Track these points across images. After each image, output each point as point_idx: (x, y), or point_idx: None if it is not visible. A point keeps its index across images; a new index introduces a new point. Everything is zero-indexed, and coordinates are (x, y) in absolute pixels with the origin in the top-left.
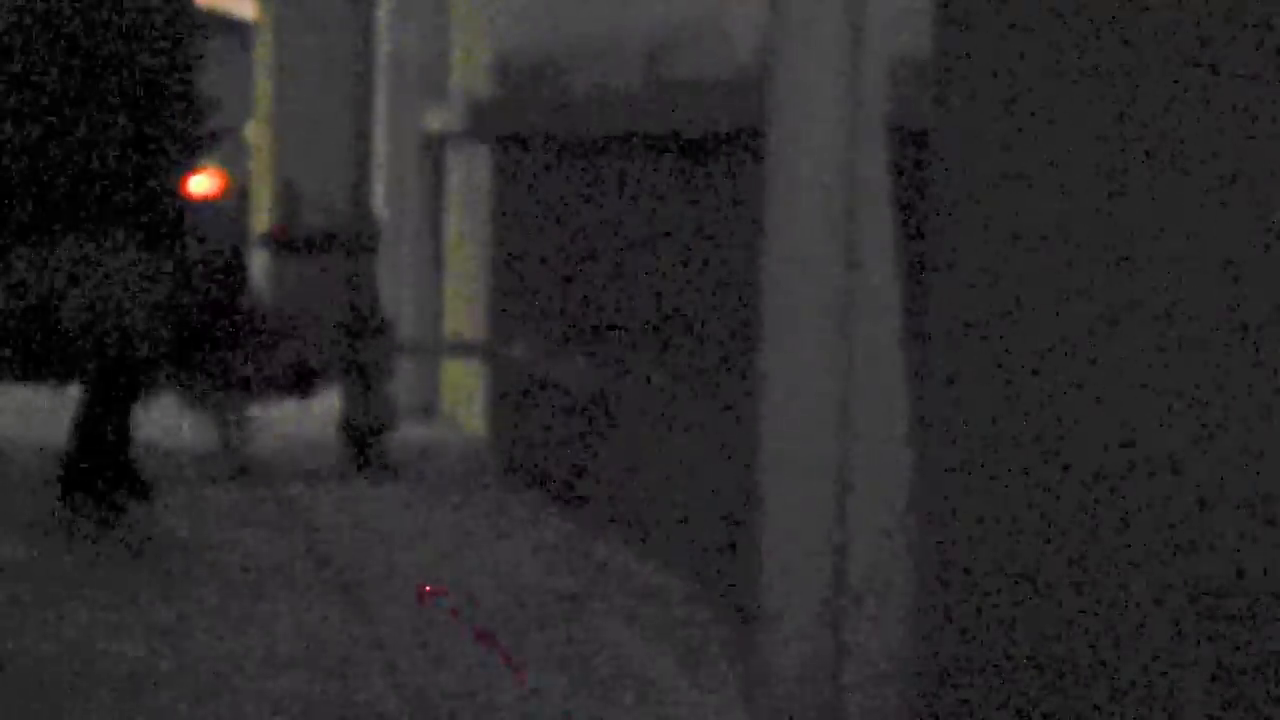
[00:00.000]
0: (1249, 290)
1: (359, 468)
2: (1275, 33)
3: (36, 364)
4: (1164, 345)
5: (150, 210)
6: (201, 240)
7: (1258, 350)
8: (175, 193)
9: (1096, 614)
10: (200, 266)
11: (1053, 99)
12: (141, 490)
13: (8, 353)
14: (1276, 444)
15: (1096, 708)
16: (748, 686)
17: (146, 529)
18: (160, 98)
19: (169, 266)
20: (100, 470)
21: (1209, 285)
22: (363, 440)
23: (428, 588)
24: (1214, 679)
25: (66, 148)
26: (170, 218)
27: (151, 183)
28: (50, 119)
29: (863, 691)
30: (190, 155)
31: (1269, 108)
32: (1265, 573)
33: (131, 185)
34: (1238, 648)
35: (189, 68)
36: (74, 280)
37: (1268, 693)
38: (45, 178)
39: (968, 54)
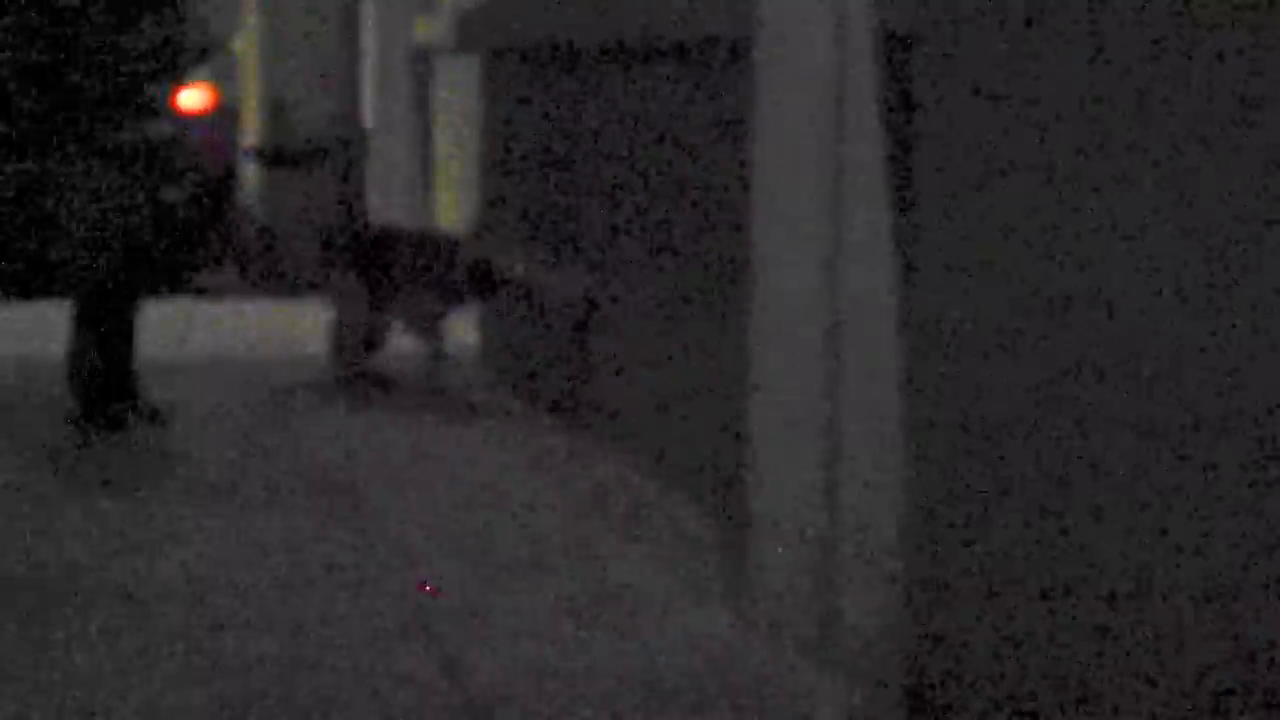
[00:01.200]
0: (1239, 281)
1: (350, 380)
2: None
3: (28, 281)
4: (1153, 332)
5: (135, 125)
6: (194, 154)
7: (1240, 341)
8: (163, 107)
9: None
10: (189, 182)
11: (1033, 6)
12: (151, 414)
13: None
14: (1244, 439)
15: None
16: (743, 595)
17: (152, 446)
18: (143, 6)
19: (151, 184)
20: (100, 387)
21: (1203, 270)
22: (355, 349)
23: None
24: (1202, 675)
25: (48, 61)
26: (157, 134)
27: (137, 97)
28: (30, 32)
29: (857, 598)
30: (177, 68)
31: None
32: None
33: (116, 99)
34: (1214, 641)
35: None
36: (58, 201)
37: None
38: (29, 92)
39: None
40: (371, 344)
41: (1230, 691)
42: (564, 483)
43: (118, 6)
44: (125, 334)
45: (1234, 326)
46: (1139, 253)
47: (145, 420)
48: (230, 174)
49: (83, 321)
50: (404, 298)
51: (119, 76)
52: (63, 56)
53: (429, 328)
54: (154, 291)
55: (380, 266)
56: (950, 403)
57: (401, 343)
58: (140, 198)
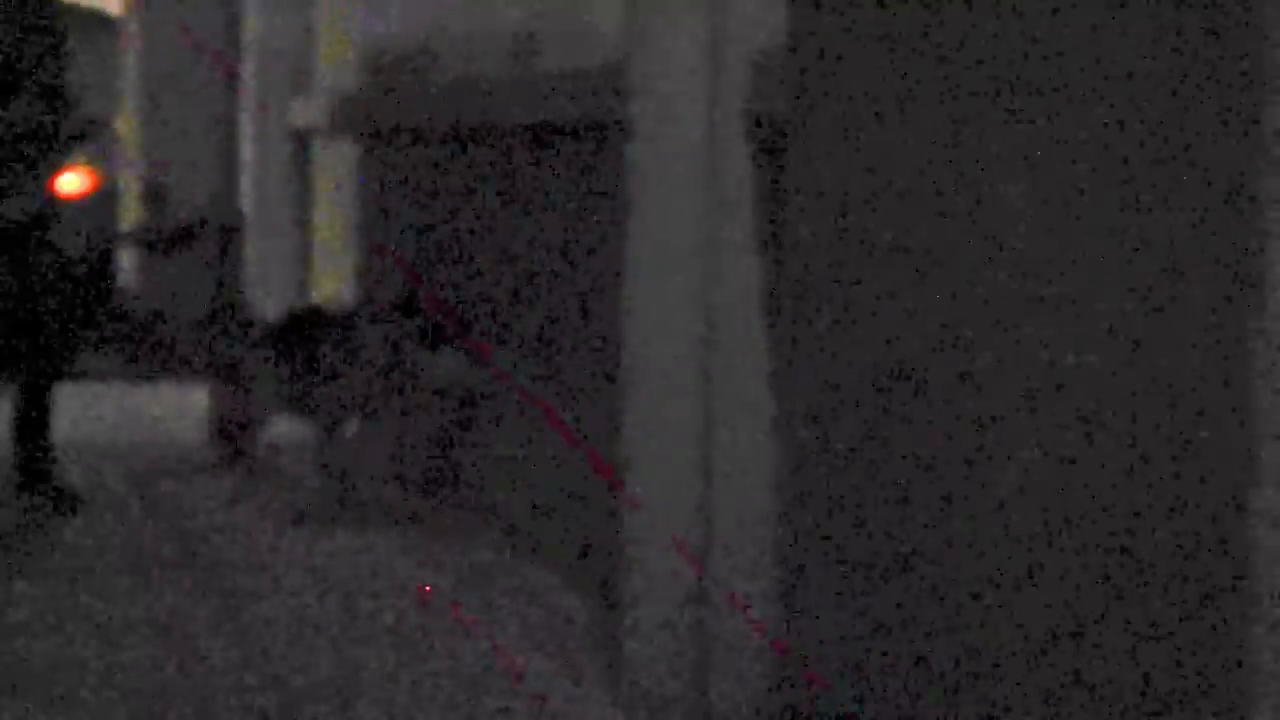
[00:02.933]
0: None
1: (228, 462)
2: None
3: None
4: (1018, 340)
5: (10, 205)
6: (77, 237)
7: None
8: (39, 191)
9: (954, 608)
10: (67, 266)
11: (905, 91)
12: (65, 501)
13: None
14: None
15: (956, 700)
16: (615, 677)
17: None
18: (22, 90)
19: (22, 271)
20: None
21: (1058, 280)
22: (233, 435)
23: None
24: (1074, 676)
25: None
26: (31, 217)
27: (8, 178)
28: None
29: (727, 680)
30: (56, 151)
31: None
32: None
33: None
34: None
35: (53, 58)
36: None
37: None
38: None
39: (823, 46)
40: (248, 426)
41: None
42: (438, 564)
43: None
44: (36, 417)
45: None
46: (996, 326)
47: (57, 505)
48: (107, 256)
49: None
50: (283, 379)
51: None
52: None
53: (313, 408)
54: (41, 373)
55: (259, 348)
56: (826, 503)
57: (283, 425)
58: (17, 279)
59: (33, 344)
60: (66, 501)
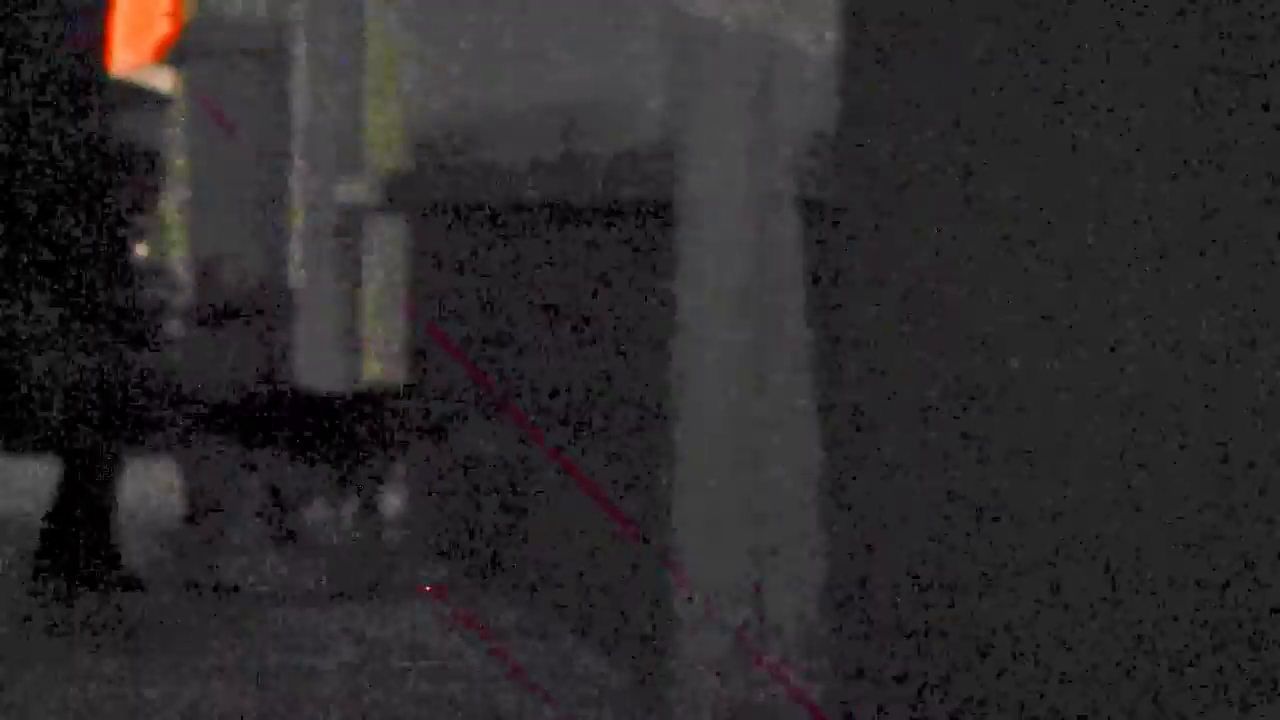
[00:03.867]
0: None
1: (277, 542)
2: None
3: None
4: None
5: (124, 287)
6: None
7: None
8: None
9: (1013, 613)
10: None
11: (956, 171)
12: (127, 579)
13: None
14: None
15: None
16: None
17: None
18: (129, 165)
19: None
20: (72, 548)
21: (1128, 289)
22: (280, 515)
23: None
24: (1127, 673)
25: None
26: (142, 298)
27: (123, 257)
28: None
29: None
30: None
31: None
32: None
33: (103, 257)
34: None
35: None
36: (30, 355)
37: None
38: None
39: (874, 127)
40: (297, 505)
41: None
42: (479, 642)
43: (108, 162)
44: (105, 494)
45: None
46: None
47: (121, 584)
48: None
49: (63, 480)
50: (331, 457)
51: (106, 234)
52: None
53: (359, 486)
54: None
55: (304, 428)
56: (876, 598)
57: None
58: (120, 356)
59: (100, 422)
60: (132, 582)
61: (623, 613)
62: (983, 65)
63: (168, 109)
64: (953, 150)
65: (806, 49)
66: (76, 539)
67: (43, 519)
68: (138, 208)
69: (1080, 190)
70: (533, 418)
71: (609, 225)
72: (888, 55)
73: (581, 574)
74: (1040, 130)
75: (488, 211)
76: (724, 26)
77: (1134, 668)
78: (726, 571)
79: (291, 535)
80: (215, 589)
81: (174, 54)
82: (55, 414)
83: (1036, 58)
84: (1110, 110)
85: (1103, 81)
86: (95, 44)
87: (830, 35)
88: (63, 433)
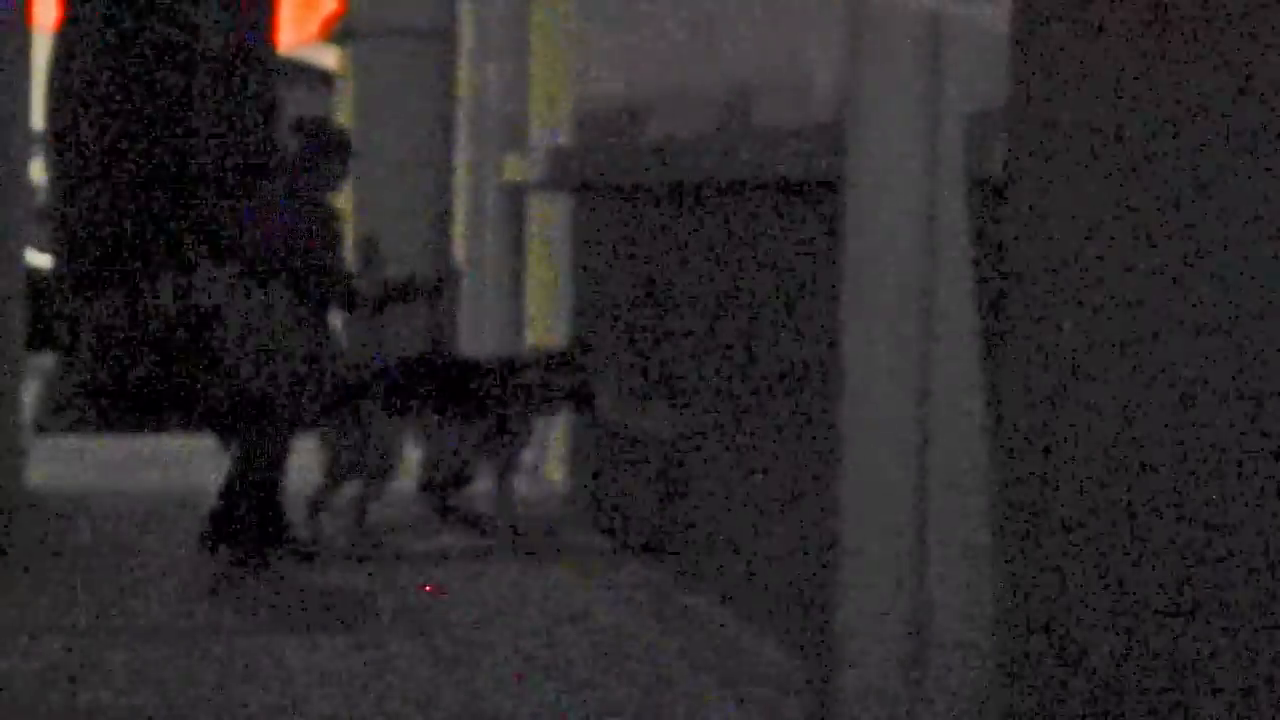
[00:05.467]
0: None
1: (442, 518)
2: None
3: (164, 411)
4: (1235, 359)
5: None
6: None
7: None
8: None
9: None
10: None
11: (1124, 151)
12: (301, 551)
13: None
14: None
15: None
16: None
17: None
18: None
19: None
20: (244, 523)
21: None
22: (444, 493)
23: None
24: None
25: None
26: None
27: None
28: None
29: None
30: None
31: None
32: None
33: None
34: None
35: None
36: (240, 327)
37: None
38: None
39: (1043, 106)
40: (460, 480)
41: None
42: (653, 622)
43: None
44: (279, 468)
45: None
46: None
47: (296, 556)
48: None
49: (242, 454)
50: (487, 429)
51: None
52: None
53: (508, 460)
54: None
55: (461, 399)
56: (1037, 579)
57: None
58: (320, 333)
59: (274, 401)
60: (306, 554)
61: (785, 587)
62: (1154, 50)
63: (334, 87)
64: (1122, 133)
65: (975, 29)
66: (250, 513)
67: (218, 494)
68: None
69: (1254, 175)
70: (695, 396)
71: (774, 204)
72: (1055, 37)
73: (741, 547)
74: (1210, 101)
75: (651, 189)
76: (895, 6)
77: None
78: (891, 544)
79: (451, 507)
80: (379, 557)
81: (340, 32)
82: (258, 390)
83: (1207, 41)
84: None
85: None
86: (265, 23)
87: (998, 15)
88: (251, 410)
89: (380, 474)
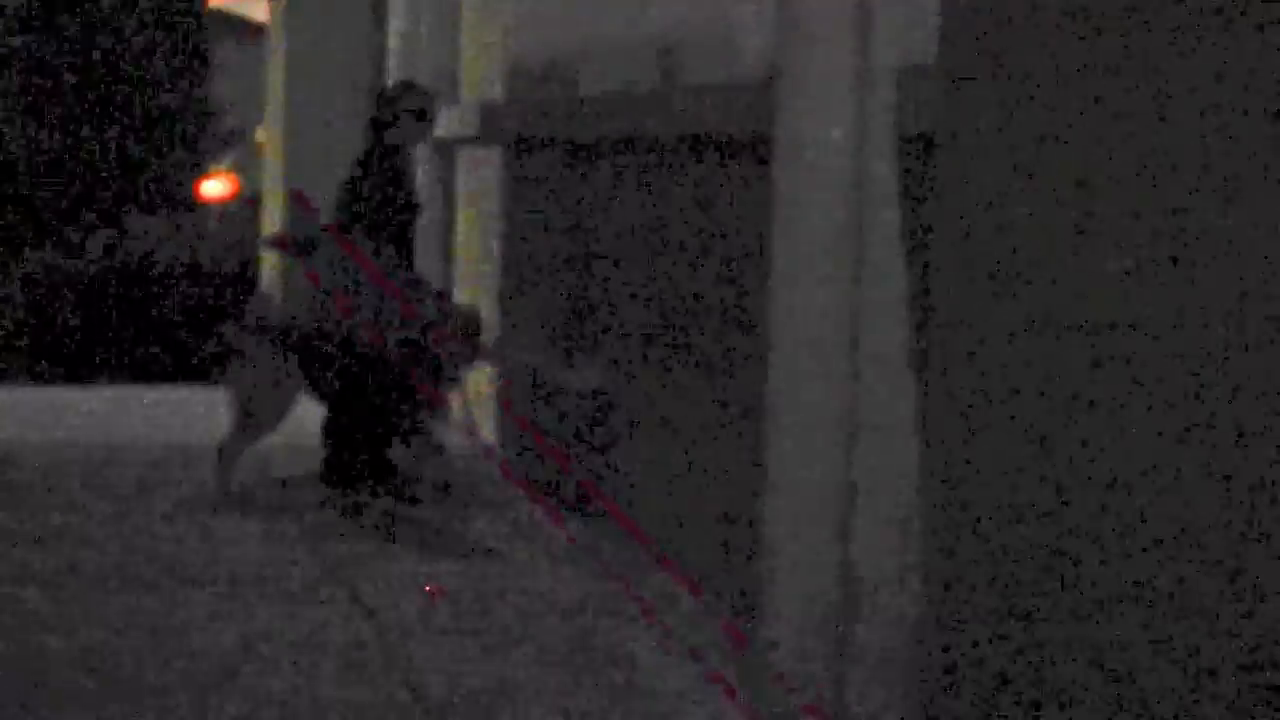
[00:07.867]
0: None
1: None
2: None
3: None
4: (1171, 345)
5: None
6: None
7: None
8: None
9: (1106, 613)
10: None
11: (1054, 104)
12: (406, 493)
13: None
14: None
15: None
16: (749, 686)
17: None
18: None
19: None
20: (351, 467)
21: (1225, 288)
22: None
23: (429, 588)
24: (1210, 674)
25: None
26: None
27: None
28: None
29: (863, 691)
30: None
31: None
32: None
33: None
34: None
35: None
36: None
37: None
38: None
39: (972, 60)
40: (434, 447)
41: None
42: (580, 576)
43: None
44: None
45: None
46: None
47: (436, 492)
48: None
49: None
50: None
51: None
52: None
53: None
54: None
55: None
56: (970, 530)
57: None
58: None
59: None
60: (443, 487)
61: (714, 542)
62: (1083, 3)
63: (264, 38)
64: (1050, 83)
65: None
66: (359, 455)
67: (327, 438)
68: (226, 143)
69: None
70: (623, 353)
71: (705, 159)
72: None
73: (675, 505)
74: (1145, 56)
75: (582, 144)
76: None
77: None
78: (818, 496)
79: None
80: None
81: None
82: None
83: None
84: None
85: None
86: None
87: None
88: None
89: (254, 427)
